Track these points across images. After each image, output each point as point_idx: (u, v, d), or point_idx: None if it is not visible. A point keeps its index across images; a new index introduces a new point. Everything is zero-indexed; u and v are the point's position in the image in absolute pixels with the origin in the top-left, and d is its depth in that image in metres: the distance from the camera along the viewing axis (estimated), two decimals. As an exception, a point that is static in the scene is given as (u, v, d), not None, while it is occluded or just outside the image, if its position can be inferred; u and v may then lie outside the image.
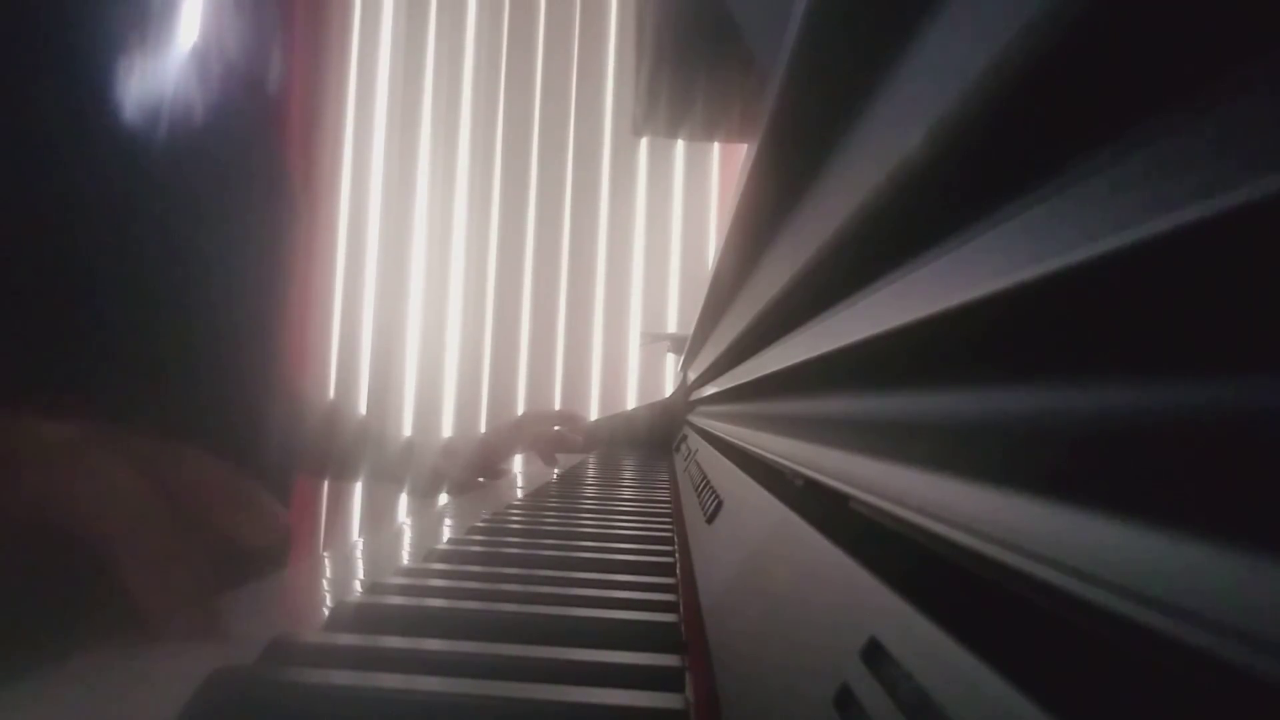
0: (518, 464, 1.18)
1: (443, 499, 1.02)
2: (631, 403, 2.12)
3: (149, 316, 0.54)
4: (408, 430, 2.18)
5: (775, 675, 0.23)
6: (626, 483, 0.98)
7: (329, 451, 0.94)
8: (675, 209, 2.22)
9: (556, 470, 1.11)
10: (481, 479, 1.05)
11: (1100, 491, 0.11)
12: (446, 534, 0.61)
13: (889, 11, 0.18)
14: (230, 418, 0.59)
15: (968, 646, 0.14)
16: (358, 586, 0.45)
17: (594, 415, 2.10)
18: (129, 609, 0.33)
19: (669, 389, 1.84)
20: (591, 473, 1.10)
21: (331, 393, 2.13)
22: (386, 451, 1.01)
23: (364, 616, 0.36)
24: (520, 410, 2.18)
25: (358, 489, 2.10)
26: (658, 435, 1.51)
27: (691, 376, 1.25)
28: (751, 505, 0.41)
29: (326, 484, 2.00)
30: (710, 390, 0.87)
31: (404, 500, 1.90)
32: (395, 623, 0.35)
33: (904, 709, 0.15)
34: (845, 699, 0.17)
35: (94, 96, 0.52)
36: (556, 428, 1.19)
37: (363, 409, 2.16)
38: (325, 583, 0.47)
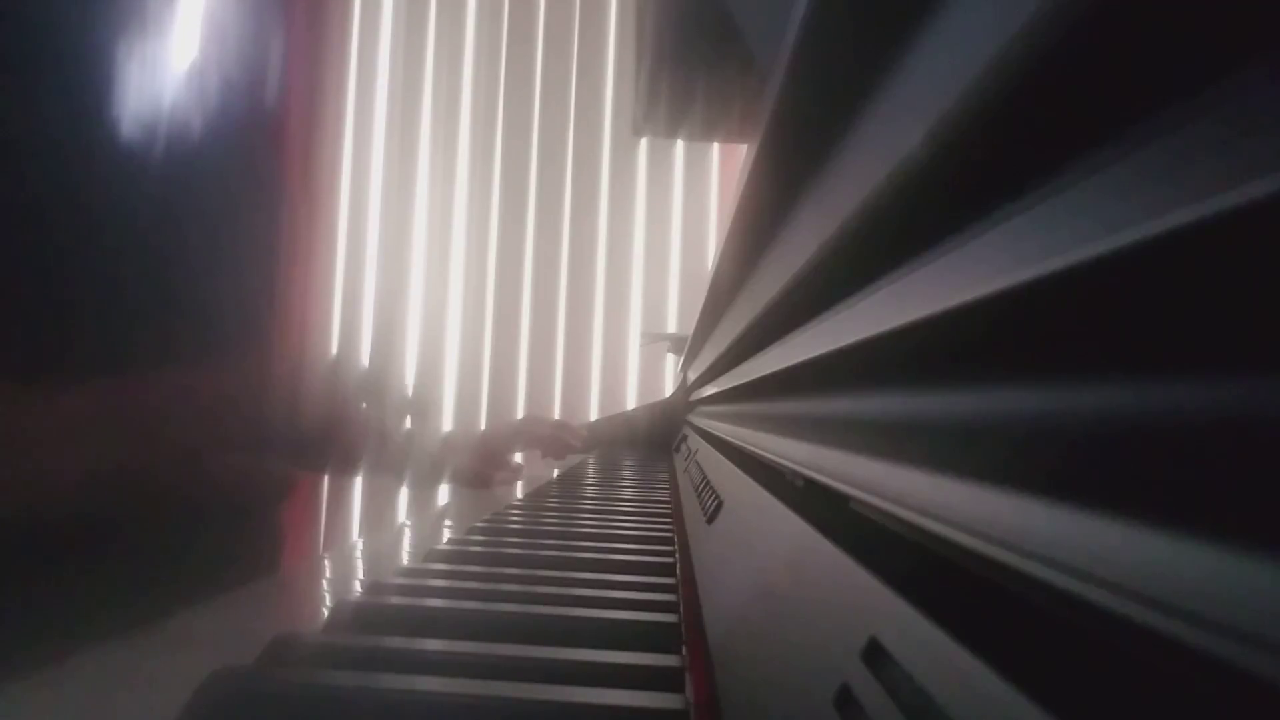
0: (518, 458, 1.19)
1: (443, 496, 1.02)
2: (631, 403, 2.12)
3: (146, 325, 0.54)
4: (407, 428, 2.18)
5: (775, 675, 0.23)
6: (626, 483, 0.98)
7: (329, 448, 0.94)
8: (675, 209, 2.22)
9: (556, 470, 1.11)
10: (484, 484, 1.05)
11: (1100, 491, 0.11)
12: (446, 534, 0.61)
13: (889, 12, 0.18)
14: (218, 425, 0.59)
15: (968, 646, 0.14)
16: (358, 586, 0.45)
17: (594, 415, 2.09)
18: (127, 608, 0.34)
19: (669, 389, 1.84)
20: (591, 473, 1.10)
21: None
22: (387, 444, 1.01)
23: (364, 616, 0.36)
24: (519, 413, 2.18)
25: (358, 485, 2.10)
26: (658, 435, 1.51)
27: (691, 377, 1.25)
28: (751, 505, 0.41)
29: (326, 479, 2.00)
30: (710, 390, 0.87)
31: (404, 494, 1.90)
32: (395, 623, 0.35)
33: (904, 709, 0.15)
34: (845, 699, 0.17)
35: (94, 108, 0.52)
36: (555, 434, 1.19)
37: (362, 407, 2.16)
38: (325, 583, 0.47)
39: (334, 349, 2.13)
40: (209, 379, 0.50)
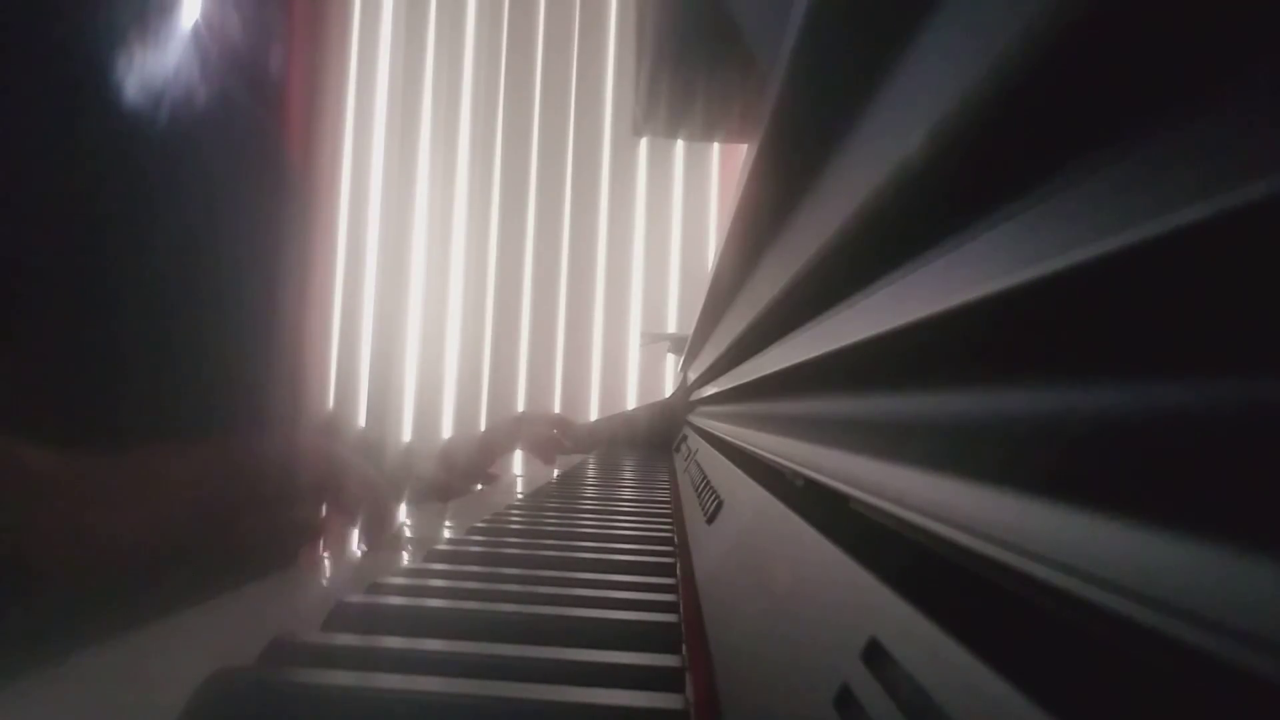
0: (517, 463, 1.19)
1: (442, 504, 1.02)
2: (631, 403, 2.12)
3: (148, 304, 0.54)
4: (407, 430, 2.18)
5: (775, 675, 0.23)
6: (626, 483, 0.98)
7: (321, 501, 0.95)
8: (675, 209, 2.22)
9: (556, 470, 1.11)
10: (479, 486, 1.05)
11: (1100, 491, 0.11)
12: (446, 534, 0.61)
13: (889, 11, 0.18)
14: (233, 407, 0.59)
15: (968, 646, 0.14)
16: (358, 586, 0.45)
17: (594, 415, 2.10)
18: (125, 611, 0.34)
19: (669, 389, 1.84)
20: (591, 473, 1.10)
21: (332, 392, 2.13)
22: (385, 460, 1.01)
23: (364, 616, 0.36)
24: (519, 410, 2.18)
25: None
26: (658, 435, 1.51)
27: (691, 377, 1.25)
28: (751, 505, 0.41)
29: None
30: (710, 390, 0.87)
31: (403, 507, 1.90)
32: (395, 623, 0.35)
33: (904, 709, 0.15)
34: (845, 699, 0.17)
35: (94, 81, 0.52)
36: (554, 431, 1.20)
37: (363, 408, 2.16)
38: (325, 583, 0.47)
39: (333, 362, 2.12)
40: (239, 442, 0.51)
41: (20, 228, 0.47)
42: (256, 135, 0.70)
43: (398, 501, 1.02)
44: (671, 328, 2.13)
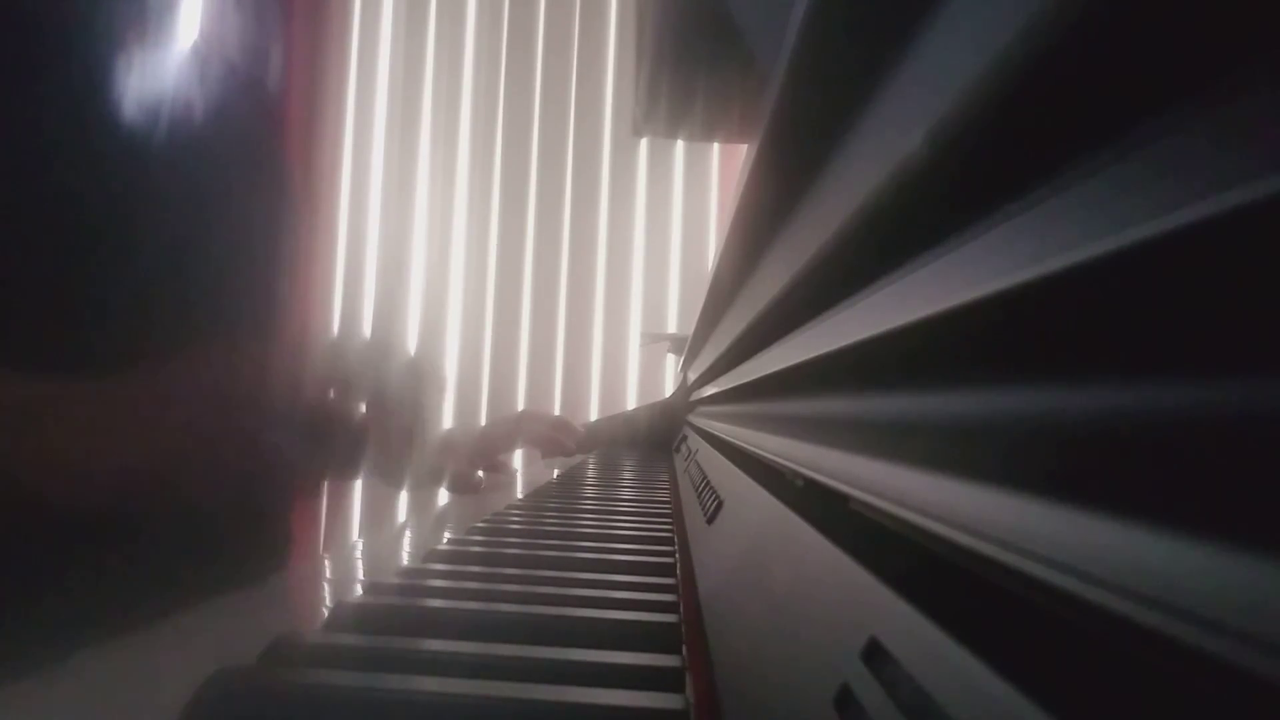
0: (517, 459, 1.19)
1: (442, 495, 1.02)
2: (631, 403, 2.12)
3: (149, 313, 0.54)
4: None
5: (775, 675, 0.23)
6: (626, 483, 0.98)
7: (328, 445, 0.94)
8: (675, 209, 2.22)
9: (556, 470, 1.11)
10: (481, 474, 1.05)
11: (1100, 491, 0.11)
12: (446, 534, 0.61)
13: (889, 12, 0.18)
14: (231, 414, 0.59)
15: (968, 646, 0.14)
16: (358, 586, 0.45)
17: (594, 415, 2.10)
18: (128, 610, 0.34)
19: (669, 389, 1.84)
20: (591, 473, 1.10)
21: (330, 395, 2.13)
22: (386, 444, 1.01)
23: (364, 616, 0.36)
24: (519, 409, 2.18)
25: (357, 485, 2.10)
26: (658, 435, 1.51)
27: (691, 377, 1.25)
28: (751, 505, 0.41)
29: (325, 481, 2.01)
30: (710, 390, 0.87)
31: (404, 494, 1.90)
32: (395, 623, 0.35)
33: (904, 709, 0.15)
34: (845, 699, 0.17)
35: (95, 93, 0.52)
36: (555, 434, 1.20)
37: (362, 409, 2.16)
38: (325, 583, 0.47)
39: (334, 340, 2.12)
40: (219, 366, 0.50)
41: (20, 231, 0.47)
42: (255, 140, 0.70)
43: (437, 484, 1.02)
44: (671, 328, 2.13)
